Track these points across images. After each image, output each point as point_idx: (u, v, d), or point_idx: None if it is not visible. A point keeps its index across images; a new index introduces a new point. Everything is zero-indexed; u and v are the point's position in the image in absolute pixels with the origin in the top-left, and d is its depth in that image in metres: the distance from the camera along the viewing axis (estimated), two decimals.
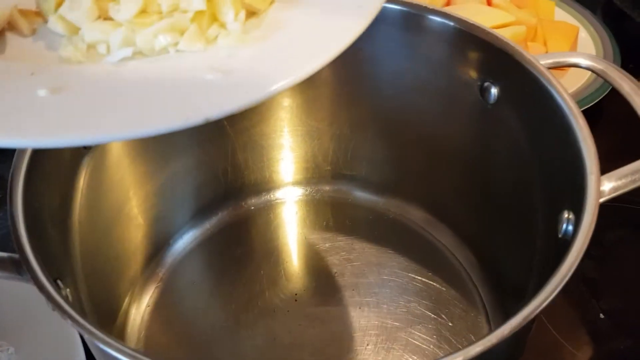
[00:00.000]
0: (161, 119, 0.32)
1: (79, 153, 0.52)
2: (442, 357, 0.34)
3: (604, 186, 0.43)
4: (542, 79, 0.49)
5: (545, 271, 0.40)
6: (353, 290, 0.62)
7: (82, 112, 0.33)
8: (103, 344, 0.36)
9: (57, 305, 0.37)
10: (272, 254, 0.66)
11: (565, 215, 0.45)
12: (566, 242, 0.41)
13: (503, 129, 0.56)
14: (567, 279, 0.37)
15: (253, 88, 0.34)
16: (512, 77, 0.52)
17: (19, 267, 0.41)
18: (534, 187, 0.52)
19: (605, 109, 0.79)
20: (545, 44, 0.82)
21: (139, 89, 0.34)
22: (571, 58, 0.52)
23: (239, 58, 0.36)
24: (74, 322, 0.36)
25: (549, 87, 0.49)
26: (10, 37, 0.39)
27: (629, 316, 0.62)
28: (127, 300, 0.61)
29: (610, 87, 0.75)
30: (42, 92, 0.33)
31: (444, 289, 0.62)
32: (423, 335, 0.58)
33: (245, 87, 0.34)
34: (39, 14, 0.40)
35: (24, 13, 0.39)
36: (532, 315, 0.36)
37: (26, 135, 0.31)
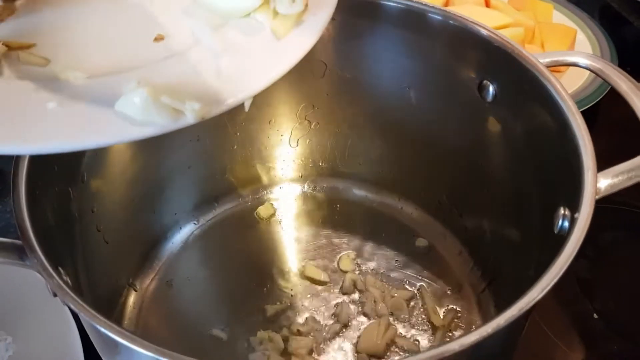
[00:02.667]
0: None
1: None
2: (439, 346, 0.34)
3: (600, 183, 0.44)
4: (540, 77, 0.50)
5: (541, 267, 0.40)
6: (348, 285, 0.62)
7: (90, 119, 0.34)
8: (104, 327, 0.36)
9: (59, 289, 0.38)
10: (268, 249, 0.66)
11: (562, 211, 0.45)
12: (562, 238, 0.41)
13: (501, 126, 0.56)
14: (562, 272, 0.38)
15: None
16: (510, 75, 0.53)
17: (22, 252, 0.41)
18: (531, 184, 0.53)
19: (603, 111, 0.79)
20: (542, 45, 0.83)
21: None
22: (570, 57, 0.53)
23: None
24: (75, 305, 0.37)
25: (547, 85, 0.49)
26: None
27: (622, 317, 0.63)
28: (124, 292, 0.62)
29: (608, 89, 0.76)
30: (51, 105, 0.35)
31: (438, 285, 0.62)
32: (416, 331, 0.59)
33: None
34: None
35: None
36: (528, 306, 0.36)
37: (49, 142, 0.33)
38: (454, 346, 0.34)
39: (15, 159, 0.46)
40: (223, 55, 0.39)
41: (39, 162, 0.47)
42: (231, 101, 0.36)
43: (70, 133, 0.33)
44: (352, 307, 0.61)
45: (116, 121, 0.34)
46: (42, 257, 0.40)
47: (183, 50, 0.39)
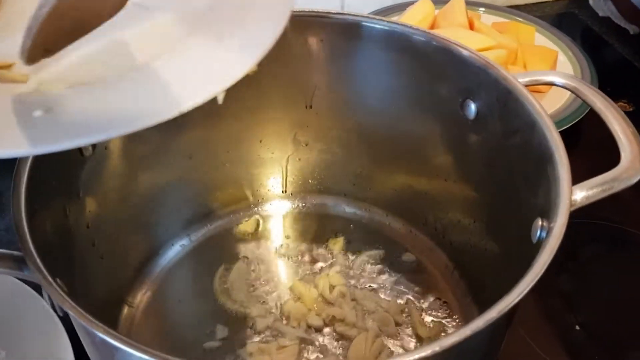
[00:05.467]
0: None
1: (77, 160, 0.54)
2: (419, 348, 0.35)
3: (576, 195, 0.46)
4: (519, 96, 0.52)
5: (520, 275, 0.42)
6: (336, 298, 0.64)
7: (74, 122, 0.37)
8: (102, 332, 0.37)
9: (58, 296, 0.39)
10: (258, 265, 0.68)
11: (539, 222, 0.47)
12: (540, 247, 0.43)
13: (482, 143, 0.58)
14: (538, 278, 0.40)
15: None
16: (491, 94, 0.55)
17: (21, 263, 0.42)
18: (511, 197, 0.54)
19: (584, 130, 0.82)
20: (525, 67, 0.86)
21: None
22: (547, 77, 0.55)
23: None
24: (74, 312, 0.38)
25: (525, 103, 0.51)
26: None
27: (603, 328, 0.64)
28: (117, 307, 0.63)
29: (588, 109, 0.78)
30: (37, 113, 0.37)
31: (425, 298, 0.64)
32: (403, 343, 0.60)
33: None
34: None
35: None
36: (506, 309, 0.38)
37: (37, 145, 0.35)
38: (434, 347, 0.35)
39: (15, 174, 0.47)
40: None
41: (38, 177, 0.48)
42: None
43: (58, 135, 0.35)
44: (340, 321, 0.62)
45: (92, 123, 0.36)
46: (42, 268, 0.41)
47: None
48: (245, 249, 0.69)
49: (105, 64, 0.43)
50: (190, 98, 0.38)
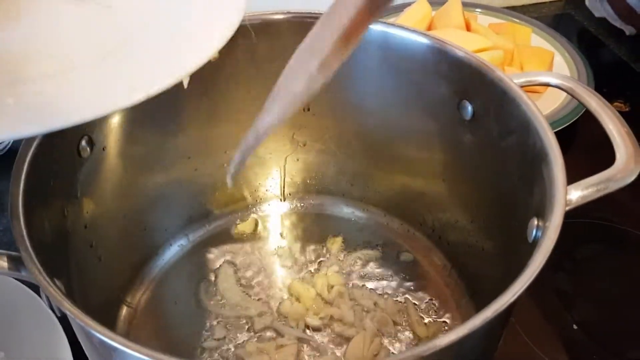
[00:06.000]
0: None
1: (75, 160, 0.54)
2: (416, 346, 0.36)
3: (571, 195, 0.46)
4: (514, 96, 0.52)
5: (516, 275, 0.42)
6: (335, 298, 0.64)
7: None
8: (100, 333, 0.38)
9: (56, 297, 0.39)
10: (257, 265, 0.68)
11: (535, 222, 0.47)
12: (535, 247, 0.44)
13: (478, 144, 0.58)
14: (533, 277, 0.40)
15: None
16: (487, 94, 0.55)
17: (19, 264, 0.43)
18: (508, 197, 0.55)
19: (580, 131, 0.82)
20: (521, 68, 0.86)
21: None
22: (542, 77, 0.56)
23: None
24: (73, 312, 0.38)
25: (521, 104, 0.51)
26: None
27: (601, 327, 0.65)
28: (115, 307, 0.63)
29: (584, 110, 0.78)
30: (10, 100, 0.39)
31: (423, 298, 0.64)
32: (401, 343, 0.60)
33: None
34: None
35: None
36: (502, 308, 0.38)
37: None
38: (432, 346, 0.36)
39: (13, 175, 0.47)
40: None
41: (36, 178, 0.48)
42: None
43: (29, 120, 0.36)
44: (338, 320, 0.62)
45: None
46: (40, 268, 0.42)
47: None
48: (243, 248, 0.70)
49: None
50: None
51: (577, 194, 0.47)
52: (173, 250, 0.69)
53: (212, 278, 0.67)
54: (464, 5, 0.92)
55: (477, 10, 0.98)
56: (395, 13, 0.95)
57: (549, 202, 0.45)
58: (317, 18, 0.62)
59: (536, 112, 0.50)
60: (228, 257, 0.69)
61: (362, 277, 0.66)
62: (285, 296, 0.65)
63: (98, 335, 0.39)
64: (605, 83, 0.86)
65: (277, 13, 0.62)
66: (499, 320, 0.40)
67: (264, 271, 0.67)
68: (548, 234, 0.42)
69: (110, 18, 0.47)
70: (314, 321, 0.62)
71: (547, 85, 0.55)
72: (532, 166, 0.50)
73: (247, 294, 0.65)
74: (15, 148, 0.81)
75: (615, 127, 0.50)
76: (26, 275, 0.42)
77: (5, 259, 0.44)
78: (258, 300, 0.64)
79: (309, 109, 0.67)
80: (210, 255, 0.69)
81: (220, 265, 0.68)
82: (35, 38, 0.46)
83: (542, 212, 0.46)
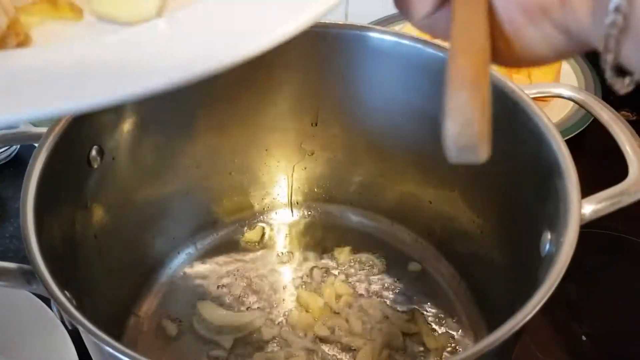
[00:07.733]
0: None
1: (85, 170, 0.54)
2: None
3: (584, 209, 0.46)
4: (526, 108, 0.52)
5: (529, 289, 0.42)
6: (343, 308, 0.64)
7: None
8: (113, 349, 0.38)
9: (68, 312, 0.39)
10: (264, 274, 0.68)
11: (548, 236, 0.47)
12: (549, 262, 0.43)
13: (489, 155, 0.58)
14: (548, 295, 0.40)
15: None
16: (498, 105, 0.54)
17: (29, 277, 0.42)
18: (519, 209, 0.55)
19: (588, 139, 0.82)
20: (529, 76, 0.85)
21: None
22: (554, 89, 0.55)
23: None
24: (84, 327, 0.38)
25: (533, 116, 0.51)
26: None
27: (610, 338, 0.65)
28: (124, 317, 0.63)
29: (592, 119, 0.78)
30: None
31: (431, 309, 0.64)
32: (410, 354, 0.60)
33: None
34: None
35: None
36: (517, 327, 0.38)
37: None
38: None
39: (23, 185, 0.47)
40: None
41: (47, 188, 0.48)
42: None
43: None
44: (346, 331, 0.62)
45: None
46: (51, 281, 0.41)
47: None
48: (251, 257, 0.69)
49: None
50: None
51: (591, 208, 0.46)
52: (181, 259, 0.69)
53: (219, 287, 0.66)
54: None
55: None
56: (402, 20, 0.94)
57: (562, 216, 0.45)
58: (327, 27, 0.63)
59: (549, 125, 0.50)
60: (235, 265, 0.68)
61: (370, 287, 0.66)
62: (293, 306, 0.65)
63: (109, 349, 0.39)
64: (612, 91, 0.85)
65: None
66: (514, 338, 0.39)
67: (271, 280, 0.67)
68: (563, 250, 0.42)
69: None
70: (322, 331, 0.62)
71: (560, 97, 0.55)
72: (544, 178, 0.49)
73: (251, 303, 0.65)
74: (20, 155, 0.81)
75: (628, 141, 0.50)
76: (37, 288, 0.42)
77: (16, 272, 0.43)
78: (265, 310, 0.64)
79: (316, 124, 0.67)
80: (218, 264, 0.69)
81: (227, 274, 0.67)
82: None
83: (554, 226, 0.46)
